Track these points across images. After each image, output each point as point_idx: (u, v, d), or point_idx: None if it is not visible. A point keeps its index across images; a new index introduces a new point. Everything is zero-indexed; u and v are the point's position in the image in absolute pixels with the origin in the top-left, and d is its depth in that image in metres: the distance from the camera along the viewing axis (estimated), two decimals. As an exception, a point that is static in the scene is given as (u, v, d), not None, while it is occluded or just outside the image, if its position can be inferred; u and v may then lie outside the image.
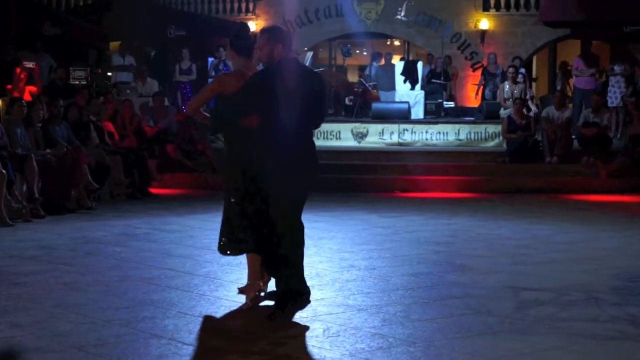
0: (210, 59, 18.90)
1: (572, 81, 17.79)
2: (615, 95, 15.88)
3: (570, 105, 16.53)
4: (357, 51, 23.44)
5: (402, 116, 16.68)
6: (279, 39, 5.51)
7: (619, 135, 15.41)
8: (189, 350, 4.65)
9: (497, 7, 21.33)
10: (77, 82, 15.41)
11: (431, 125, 16.19)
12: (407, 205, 11.49)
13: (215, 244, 8.06)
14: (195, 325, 5.13)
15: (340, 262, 7.29)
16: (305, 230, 9.16)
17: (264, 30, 5.62)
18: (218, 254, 7.50)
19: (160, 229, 9.21)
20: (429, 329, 5.09)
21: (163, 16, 19.90)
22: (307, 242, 8.29)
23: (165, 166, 13.59)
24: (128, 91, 16.15)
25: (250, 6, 22.52)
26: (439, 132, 15.93)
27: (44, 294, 5.98)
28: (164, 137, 13.94)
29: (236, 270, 6.82)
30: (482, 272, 6.89)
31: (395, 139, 15.94)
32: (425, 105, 18.57)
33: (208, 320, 5.29)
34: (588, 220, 10.12)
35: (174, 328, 5.05)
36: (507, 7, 21.28)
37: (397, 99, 18.47)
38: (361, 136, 15.95)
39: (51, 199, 10.29)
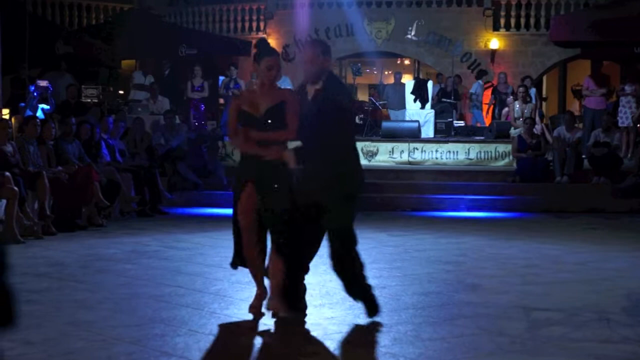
0: (221, 78, 18.99)
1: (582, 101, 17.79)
2: (626, 115, 15.87)
3: (581, 125, 16.53)
4: (368, 70, 23.52)
5: (412, 135, 16.69)
6: (329, 52, 5.63)
7: (629, 155, 15.38)
8: (200, 368, 4.65)
9: (507, 26, 21.37)
10: (89, 100, 15.51)
11: (441, 144, 16.21)
12: (417, 224, 11.49)
13: (225, 262, 8.11)
14: (206, 344, 5.13)
15: (350, 280, 7.28)
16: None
17: (315, 43, 5.86)
18: (229, 272, 7.55)
19: (170, 247, 9.24)
20: (440, 349, 5.08)
21: (174, 35, 20.03)
22: (317, 260, 8.33)
23: (176, 184, 13.64)
24: (140, 109, 16.24)
25: (261, 25, 22.63)
26: (449, 151, 15.94)
27: (55, 312, 6.00)
28: (174, 155, 13.99)
29: (247, 289, 6.82)
30: (493, 292, 6.88)
31: (405, 157, 15.96)
32: (435, 124, 18.58)
33: (219, 339, 5.29)
34: (598, 240, 10.09)
35: (184, 346, 5.06)
36: (518, 26, 21.32)
37: (407, 118, 18.50)
38: (371, 155, 15.97)
39: (62, 216, 10.34)
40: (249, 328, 5.55)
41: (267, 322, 5.67)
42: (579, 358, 4.93)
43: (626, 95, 16.01)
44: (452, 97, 19.17)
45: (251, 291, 6.69)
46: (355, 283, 5.77)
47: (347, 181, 5.65)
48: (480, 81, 19.71)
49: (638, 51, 17.35)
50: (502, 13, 21.39)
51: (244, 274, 7.38)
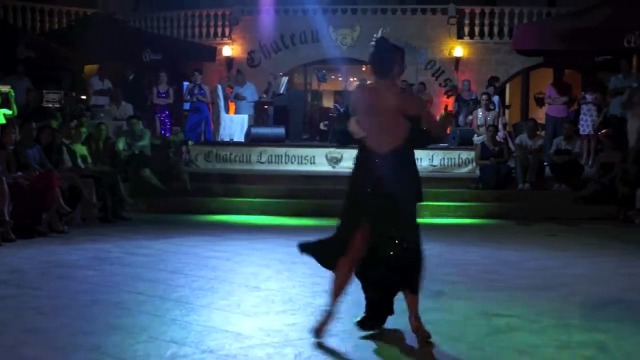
0: (186, 83, 18.93)
1: (544, 109, 17.99)
2: (587, 123, 16.06)
3: (543, 133, 16.69)
4: (333, 76, 23.58)
5: (377, 142, 16.70)
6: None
7: (590, 163, 15.57)
8: (159, 375, 4.62)
9: (472, 35, 21.57)
10: (51, 105, 15.36)
11: (405, 151, 16.22)
12: (381, 231, 11.50)
13: (187, 268, 8.08)
14: (166, 350, 5.10)
15: (312, 286, 7.28)
16: (278, 255, 9.22)
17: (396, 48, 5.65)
18: (191, 278, 7.52)
19: (132, 253, 9.16)
20: (401, 354, 5.09)
21: (139, 40, 19.94)
22: (280, 267, 8.35)
23: (139, 190, 13.54)
24: (102, 114, 16.12)
25: (226, 31, 22.60)
26: (412, 158, 15.96)
27: (13, 319, 5.91)
28: (137, 160, 13.89)
29: (208, 295, 6.80)
30: (453, 298, 6.92)
31: (370, 164, 15.96)
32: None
33: (180, 346, 5.25)
34: (559, 247, 10.20)
35: (144, 353, 5.02)
36: (481, 35, 21.54)
37: (371, 125, 18.52)
38: (336, 161, 15.99)
39: (22, 222, 10.20)
40: (212, 334, 5.51)
41: (229, 329, 5.64)
42: (537, 363, 4.97)
43: (587, 104, 16.22)
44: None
45: (212, 298, 6.69)
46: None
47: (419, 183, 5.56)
48: None
49: (599, 60, 17.62)
50: (466, 21, 21.60)
51: (205, 281, 7.39)
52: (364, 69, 23.77)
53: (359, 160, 5.48)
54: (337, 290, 5.51)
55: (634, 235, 11.32)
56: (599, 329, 5.87)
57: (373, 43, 5.56)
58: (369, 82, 5.59)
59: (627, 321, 6.15)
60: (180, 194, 13.81)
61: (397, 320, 5.92)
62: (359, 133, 5.36)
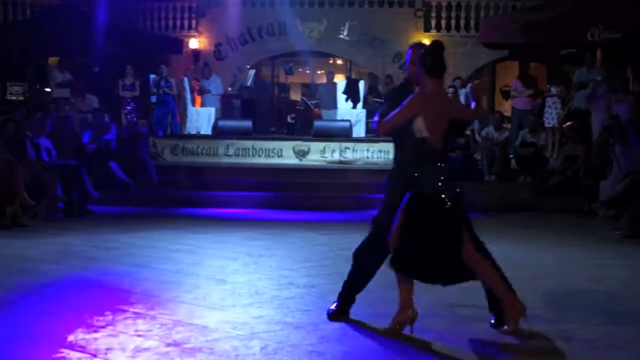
0: (152, 76, 18.81)
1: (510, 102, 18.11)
2: (551, 116, 16.20)
3: (509, 126, 16.81)
4: (300, 69, 23.54)
5: (344, 134, 16.77)
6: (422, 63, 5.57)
7: (555, 155, 15.71)
8: (124, 369, 4.59)
9: (438, 28, 21.63)
10: (15, 98, 15.18)
11: (372, 144, 16.30)
12: (348, 223, 11.53)
13: (153, 261, 8.03)
14: (131, 344, 5.06)
15: (279, 279, 7.28)
16: (245, 248, 9.21)
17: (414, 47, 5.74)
18: (157, 272, 7.48)
19: (98, 247, 9.09)
20: (366, 346, 5.11)
21: (104, 32, 19.73)
22: (247, 259, 8.33)
23: (105, 183, 13.43)
24: (67, 107, 15.95)
25: (193, 23, 22.45)
26: (380, 151, 16.03)
27: (-25, 313, 5.85)
28: (103, 153, 13.77)
29: (174, 288, 6.77)
30: (419, 289, 6.93)
31: (336, 157, 16.01)
32: (367, 123, 18.73)
33: (144, 339, 5.22)
34: (524, 238, 10.29)
35: (108, 347, 4.98)
36: (448, 28, 21.60)
37: (339, 117, 18.58)
38: (303, 154, 15.98)
39: (-15, 216, 10.09)
40: (177, 328, 5.49)
41: (195, 322, 5.62)
42: (502, 354, 5.01)
43: (552, 97, 16.35)
44: (383, 97, 19.29)
45: (177, 291, 6.66)
46: None
47: None
48: None
49: (564, 53, 17.76)
50: (433, 14, 21.65)
51: (171, 274, 7.36)
52: (331, 61, 23.81)
53: (421, 161, 5.42)
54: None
55: (597, 227, 11.44)
56: (563, 319, 5.93)
57: (428, 46, 5.62)
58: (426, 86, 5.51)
59: (591, 312, 6.23)
60: (146, 187, 13.73)
61: (358, 311, 5.94)
62: (423, 132, 5.37)
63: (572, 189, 13.32)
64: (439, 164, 5.41)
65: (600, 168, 12.75)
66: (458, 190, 5.48)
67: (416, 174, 5.39)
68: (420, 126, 5.40)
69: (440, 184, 5.37)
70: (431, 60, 5.49)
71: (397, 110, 5.46)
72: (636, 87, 15.04)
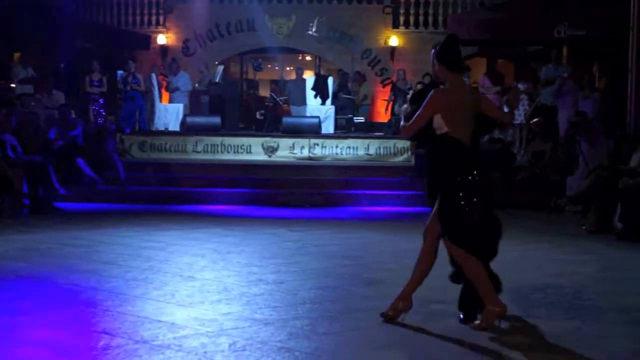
0: (119, 72, 18.67)
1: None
2: (518, 112, 16.29)
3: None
4: (269, 65, 23.50)
5: (313, 131, 16.77)
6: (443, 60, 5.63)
7: (522, 152, 15.82)
8: (91, 367, 4.55)
9: (407, 24, 21.70)
10: (-22, 94, 14.98)
11: (341, 140, 16.32)
12: (317, 219, 11.54)
13: (121, 258, 7.98)
14: (98, 342, 5.02)
15: (248, 276, 7.27)
16: (213, 245, 9.17)
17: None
18: (124, 269, 7.43)
19: (64, 244, 9.00)
20: (335, 342, 5.11)
21: (71, 27, 19.53)
22: (215, 256, 8.31)
23: (72, 180, 13.30)
24: (33, 103, 15.77)
25: (161, 19, 22.31)
26: (349, 147, 16.06)
27: (-61, 312, 5.77)
28: (70, 149, 13.64)
29: (142, 285, 6.72)
30: (389, 286, 6.95)
31: (305, 153, 16.00)
32: (336, 120, 18.75)
33: (111, 336, 5.18)
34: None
35: (75, 345, 4.93)
36: (416, 25, 21.67)
37: (308, 114, 18.57)
38: (272, 150, 15.95)
39: (-50, 213, 9.95)
40: (145, 325, 5.45)
41: (163, 319, 5.59)
42: (472, 349, 5.04)
43: (519, 93, 16.46)
44: (352, 94, 19.37)
45: (146, 288, 6.63)
46: None
47: None
48: None
49: (531, 50, 17.89)
50: (402, 11, 21.71)
51: (138, 271, 7.31)
52: (299, 58, 23.79)
53: (446, 153, 5.49)
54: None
55: (563, 222, 11.55)
56: (530, 314, 5.97)
57: (443, 41, 5.66)
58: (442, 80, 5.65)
59: (557, 307, 6.28)
60: (114, 184, 13.63)
61: (329, 307, 5.95)
62: (443, 128, 5.43)
63: (539, 185, 13.43)
64: (469, 166, 5.46)
65: (566, 164, 12.87)
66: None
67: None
68: (439, 123, 5.47)
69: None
70: (444, 53, 5.56)
71: (418, 112, 5.51)
72: (602, 84, 15.17)
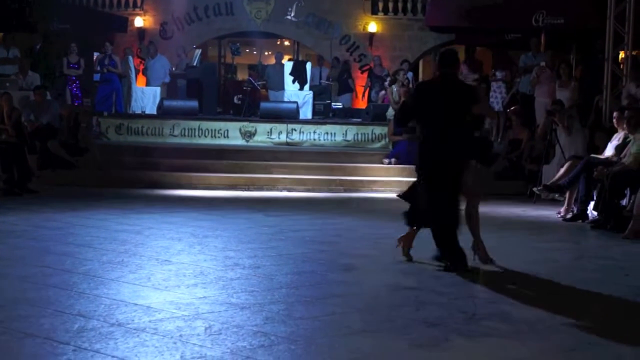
0: (96, 54, 18.49)
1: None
2: (496, 100, 16.34)
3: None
4: (247, 50, 23.40)
5: (291, 116, 16.74)
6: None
7: (499, 140, 15.87)
8: (65, 349, 4.52)
9: (385, 10, 21.68)
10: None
11: (319, 126, 16.31)
12: (294, 205, 11.54)
13: (97, 241, 7.95)
14: (73, 324, 4.99)
15: (225, 260, 7.25)
16: (190, 229, 9.15)
17: None
18: (100, 252, 7.40)
19: (39, 226, 8.94)
20: (311, 327, 5.12)
21: (47, 9, 19.29)
22: (192, 240, 8.29)
23: (46, 162, 13.20)
24: (8, 84, 15.59)
25: (138, 1, 22.12)
26: (327, 133, 16.06)
27: None
28: (45, 132, 13.52)
29: (117, 268, 6.70)
30: (365, 271, 6.99)
31: (283, 138, 15.98)
32: (314, 105, 18.73)
33: (86, 319, 5.15)
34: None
35: (50, 327, 4.91)
36: (395, 11, 21.66)
37: (286, 99, 18.53)
38: (249, 135, 15.91)
39: None
40: (121, 308, 5.43)
41: (139, 302, 5.56)
42: (445, 334, 5.06)
43: (497, 81, 16.50)
44: (331, 79, 19.35)
45: (122, 271, 6.61)
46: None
47: None
48: None
49: (509, 38, 17.92)
50: (381, -4, 21.69)
51: (114, 254, 7.28)
52: (278, 42, 23.70)
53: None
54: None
55: (540, 210, 11.62)
56: (504, 300, 6.01)
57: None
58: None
59: (531, 293, 6.33)
60: (90, 166, 13.54)
61: (304, 292, 5.95)
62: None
63: (516, 173, 13.51)
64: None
65: (543, 152, 12.95)
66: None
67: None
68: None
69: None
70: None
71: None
72: (579, 73, 15.25)
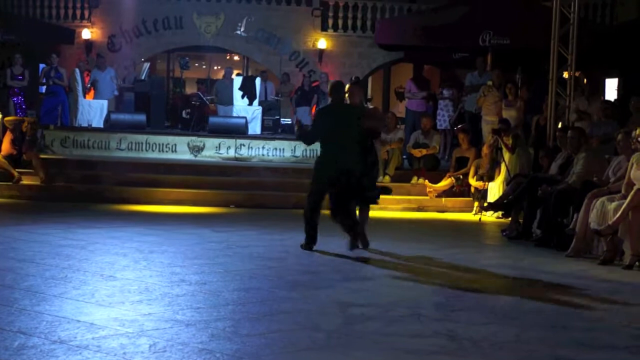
0: (42, 66, 18.24)
1: (404, 103, 18.40)
2: (443, 118, 16.53)
3: (403, 127, 17.06)
4: (196, 64, 23.32)
5: (240, 131, 16.70)
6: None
7: (446, 157, 16.04)
8: (5, 368, 4.43)
9: (335, 27, 21.82)
10: None
11: (268, 141, 16.28)
12: (241, 220, 11.49)
13: (39, 256, 7.81)
14: (14, 342, 4.89)
15: (171, 276, 7.19)
16: (135, 244, 9.04)
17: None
18: (42, 267, 7.28)
19: (-20, 241, 8.76)
20: (257, 344, 5.09)
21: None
22: (137, 255, 8.19)
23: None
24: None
25: (86, 13, 21.92)
26: (276, 148, 16.04)
27: None
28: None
29: (61, 284, 6.58)
30: (312, 288, 6.98)
31: (232, 153, 15.91)
32: (263, 121, 18.71)
33: (27, 336, 5.05)
34: (414, 238, 10.46)
35: (-11, 345, 4.81)
36: (345, 28, 21.82)
37: (234, 114, 18.49)
38: (197, 150, 15.81)
39: None
40: (63, 325, 5.34)
41: (82, 319, 5.48)
42: (391, 352, 5.08)
43: (444, 99, 16.69)
44: (280, 95, 19.36)
45: (65, 287, 6.50)
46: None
47: None
48: None
49: (456, 57, 18.14)
50: (330, 14, 21.84)
51: (58, 270, 7.17)
52: (227, 57, 23.67)
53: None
54: None
55: (484, 228, 11.73)
56: (450, 318, 6.06)
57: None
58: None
59: (475, 311, 6.38)
60: (34, 180, 13.31)
61: (252, 309, 5.92)
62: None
63: (462, 191, 13.65)
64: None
65: (488, 171, 13.11)
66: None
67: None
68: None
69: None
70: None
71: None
72: (524, 93, 15.48)
